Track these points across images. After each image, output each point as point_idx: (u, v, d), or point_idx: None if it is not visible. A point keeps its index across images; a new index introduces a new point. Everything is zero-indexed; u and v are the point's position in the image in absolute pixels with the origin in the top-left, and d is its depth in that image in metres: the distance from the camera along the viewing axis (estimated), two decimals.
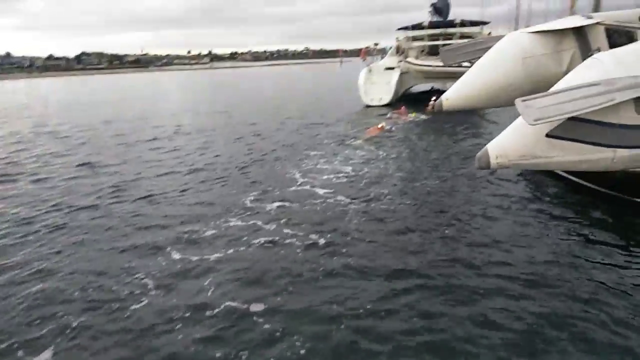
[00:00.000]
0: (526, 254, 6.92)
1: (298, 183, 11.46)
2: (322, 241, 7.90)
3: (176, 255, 7.67)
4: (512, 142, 4.79)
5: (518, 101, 4.36)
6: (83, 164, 15.26)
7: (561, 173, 10.15)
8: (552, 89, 4.61)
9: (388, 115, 22.62)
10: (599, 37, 5.86)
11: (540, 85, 4.54)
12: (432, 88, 30.42)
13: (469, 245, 7.34)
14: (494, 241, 7.43)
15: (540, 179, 10.68)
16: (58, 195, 11.77)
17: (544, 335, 5.05)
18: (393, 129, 19.19)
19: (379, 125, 18.91)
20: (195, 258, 7.53)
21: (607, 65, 4.20)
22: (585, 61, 4.74)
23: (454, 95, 7.51)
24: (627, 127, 4.07)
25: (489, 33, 27.91)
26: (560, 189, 9.95)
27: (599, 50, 5.79)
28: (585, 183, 9.42)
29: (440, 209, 9.30)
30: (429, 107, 24.30)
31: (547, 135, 4.34)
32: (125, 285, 6.73)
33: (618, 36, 5.00)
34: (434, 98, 24.48)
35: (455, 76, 26.88)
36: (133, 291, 6.54)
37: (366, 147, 15.63)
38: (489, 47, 6.88)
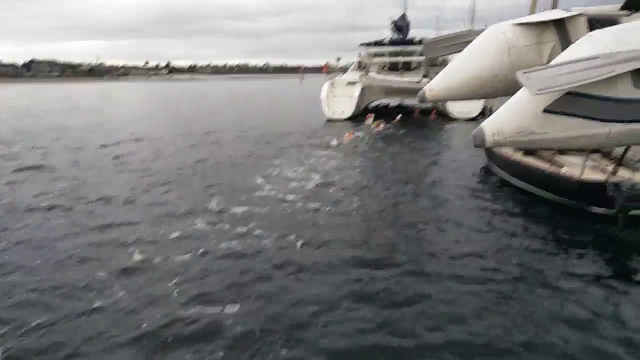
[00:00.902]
0: (483, 262, 7.11)
1: (264, 189, 11.25)
2: (292, 243, 7.77)
3: (138, 257, 7.31)
4: (509, 118, 4.78)
5: (519, 73, 4.37)
6: (32, 167, 14.72)
7: (520, 185, 10.54)
8: (552, 63, 4.63)
9: (365, 124, 23.83)
10: (580, 28, 5.96)
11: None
12: (399, 104, 32.20)
13: (428, 253, 7.53)
14: (455, 250, 7.56)
15: (502, 193, 10.99)
16: (6, 196, 11.30)
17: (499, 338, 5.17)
18: (361, 137, 19.82)
19: (348, 134, 19.47)
20: (158, 260, 7.24)
21: (604, 41, 4.24)
22: (582, 38, 4.76)
23: (438, 85, 7.38)
24: (624, 101, 4.12)
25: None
26: (519, 201, 10.22)
27: None
28: (544, 194, 9.73)
29: (405, 215, 9.52)
30: (396, 120, 25.06)
31: (545, 111, 4.33)
32: (84, 289, 6.35)
33: (601, 26, 5.06)
34: (399, 116, 25.20)
35: (414, 92, 27.85)
36: (93, 295, 6.17)
37: (333, 155, 15.62)
38: (470, 41, 6.86)
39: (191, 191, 11.21)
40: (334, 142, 17.81)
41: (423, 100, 7.63)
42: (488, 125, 4.91)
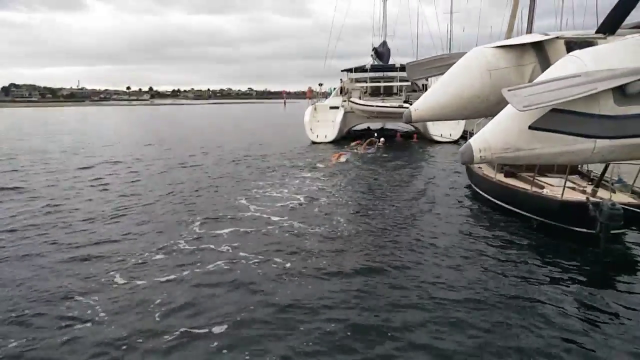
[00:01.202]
0: (466, 279, 7.21)
1: (249, 210, 11.13)
2: (278, 264, 7.69)
3: (121, 280, 7.10)
4: (496, 135, 4.80)
5: (505, 91, 4.45)
6: (10, 188, 14.37)
7: (505, 205, 10.55)
8: (535, 81, 4.74)
9: (352, 145, 24.79)
10: (559, 51, 6.18)
11: (505, 98, 4.59)
12: (381, 128, 32.42)
13: (413, 275, 7.48)
14: (438, 269, 7.63)
15: (485, 212, 11.07)
16: None
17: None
18: (348, 160, 20.13)
19: (336, 156, 20.11)
20: (141, 282, 7.06)
21: (585, 60, 4.36)
22: (564, 57, 4.91)
23: (423, 106, 7.44)
24: (607, 117, 4.30)
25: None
26: (501, 220, 10.30)
27: None
28: (526, 215, 9.81)
29: (392, 236, 9.49)
30: (380, 143, 25.67)
31: (530, 127, 4.42)
32: (68, 311, 6.16)
33: (578, 48, 5.23)
34: (381, 139, 25.94)
35: (395, 116, 26.65)
36: (75, 317, 5.98)
37: (318, 177, 15.65)
38: (453, 63, 7.03)
39: (173, 212, 11.05)
40: (321, 164, 17.98)
41: (409, 120, 7.62)
42: (475, 142, 4.93)
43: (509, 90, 4.34)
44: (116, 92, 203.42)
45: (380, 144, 24.85)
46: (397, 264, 7.56)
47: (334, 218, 10.38)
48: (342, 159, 19.78)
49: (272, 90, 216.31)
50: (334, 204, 11.75)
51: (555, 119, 4.23)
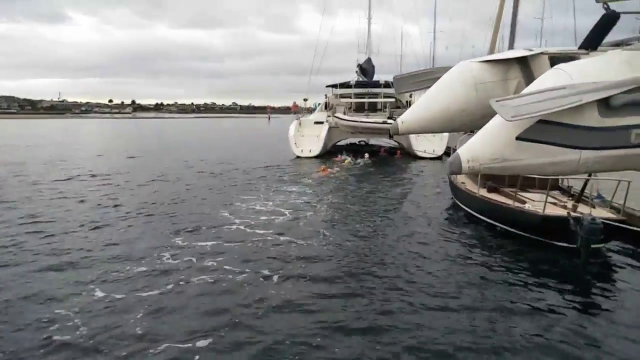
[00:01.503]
0: (450, 293, 7.20)
1: (233, 223, 10.95)
2: (264, 277, 7.59)
3: (100, 293, 6.95)
4: (483, 146, 4.81)
5: (492, 101, 4.52)
6: None
7: (485, 219, 10.70)
8: (523, 92, 4.82)
9: (339, 158, 25.07)
10: (543, 66, 6.33)
11: (491, 111, 4.67)
12: (365, 143, 32.41)
13: (397, 287, 7.51)
14: (424, 282, 7.62)
15: (468, 227, 11.04)
16: None
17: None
18: (333, 173, 20.33)
19: (323, 168, 20.81)
20: (121, 295, 6.88)
21: (569, 73, 4.54)
22: (549, 70, 5.05)
23: (410, 118, 7.38)
24: (591, 129, 4.38)
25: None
26: (484, 235, 10.31)
27: None
28: (509, 229, 9.93)
29: (376, 248, 9.49)
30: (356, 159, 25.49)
31: (517, 138, 4.51)
32: (44, 325, 5.99)
33: (562, 62, 5.35)
34: (366, 154, 26.67)
35: (379, 131, 28.23)
36: (54, 330, 5.82)
37: (303, 191, 15.63)
38: (439, 77, 7.21)
39: (156, 224, 10.86)
40: (306, 178, 18.07)
41: (396, 132, 7.49)
42: (464, 152, 4.92)
43: (497, 101, 4.40)
44: (98, 105, 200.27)
45: (365, 159, 25.27)
46: (384, 279, 7.67)
47: (320, 232, 10.29)
48: (329, 170, 20.26)
49: (257, 105, 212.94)
50: (320, 218, 11.66)
51: (542, 129, 4.29)
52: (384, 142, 31.30)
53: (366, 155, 25.80)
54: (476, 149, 4.81)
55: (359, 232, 10.38)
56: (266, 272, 7.63)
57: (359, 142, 31.91)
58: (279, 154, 28.33)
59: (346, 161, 23.80)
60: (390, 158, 27.61)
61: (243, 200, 13.78)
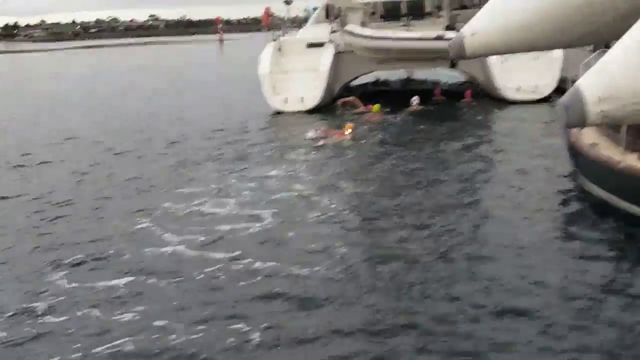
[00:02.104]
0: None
1: (162, 242, 7.81)
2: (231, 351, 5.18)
3: None
4: (630, 72, 3.19)
5: None
6: None
7: (637, 211, 7.65)
8: None
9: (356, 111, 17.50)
10: None
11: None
12: (406, 80, 23.71)
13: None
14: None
15: (604, 224, 7.59)
16: None
17: None
18: (348, 135, 14.28)
19: (344, 128, 14.28)
20: None
21: None
22: None
23: (486, 26, 4.75)
24: None
25: None
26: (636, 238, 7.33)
27: None
28: None
29: (443, 283, 6.15)
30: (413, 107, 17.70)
31: None
32: None
33: None
34: (414, 99, 17.24)
35: (431, 55, 16.24)
36: None
37: (292, 174, 11.13)
38: None
39: (17, 255, 7.62)
40: (296, 151, 12.93)
41: (460, 55, 5.31)
42: (590, 87, 3.35)
43: None
44: None
45: (412, 107, 17.91)
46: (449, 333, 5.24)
47: (331, 249, 7.39)
48: (346, 133, 14.05)
49: (196, 18, 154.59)
50: (329, 224, 8.49)
51: None
52: (443, 75, 23.06)
53: (414, 100, 18.28)
54: (616, 79, 3.31)
55: (403, 249, 7.42)
56: (231, 341, 5.11)
57: (394, 80, 23.36)
58: (241, 108, 20.39)
59: (375, 109, 17.09)
60: (453, 104, 19.65)
61: (180, 197, 10.16)
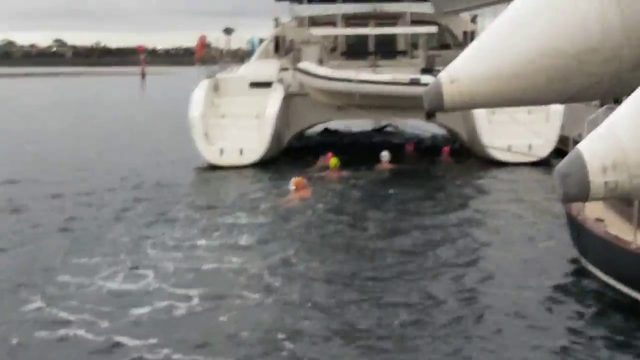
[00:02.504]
0: None
1: (58, 325, 6.35)
2: None
3: None
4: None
5: None
6: None
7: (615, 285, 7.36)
8: None
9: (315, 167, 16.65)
10: None
11: None
12: (386, 125, 21.87)
13: None
14: None
15: (610, 312, 6.67)
16: None
17: None
18: (300, 201, 13.08)
19: (296, 183, 12.50)
20: None
21: None
22: None
23: (468, 72, 4.11)
24: None
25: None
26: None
27: None
28: None
29: None
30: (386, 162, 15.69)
31: None
32: None
33: None
34: (384, 155, 15.03)
35: (403, 103, 13.94)
36: None
37: (230, 240, 9.55)
38: None
39: None
40: (240, 212, 11.77)
41: (436, 106, 4.38)
42: (594, 152, 3.05)
43: None
44: None
45: (382, 163, 16.40)
46: None
47: (274, 344, 6.06)
48: (303, 193, 13.10)
49: (113, 46, 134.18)
50: (272, 309, 7.25)
51: None
52: (416, 127, 21.39)
53: (383, 156, 16.93)
54: (623, 143, 3.02)
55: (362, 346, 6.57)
56: None
57: (359, 132, 21.62)
58: (165, 159, 18.03)
59: (332, 163, 15.61)
60: (430, 162, 18.16)
61: (80, 268, 8.86)
